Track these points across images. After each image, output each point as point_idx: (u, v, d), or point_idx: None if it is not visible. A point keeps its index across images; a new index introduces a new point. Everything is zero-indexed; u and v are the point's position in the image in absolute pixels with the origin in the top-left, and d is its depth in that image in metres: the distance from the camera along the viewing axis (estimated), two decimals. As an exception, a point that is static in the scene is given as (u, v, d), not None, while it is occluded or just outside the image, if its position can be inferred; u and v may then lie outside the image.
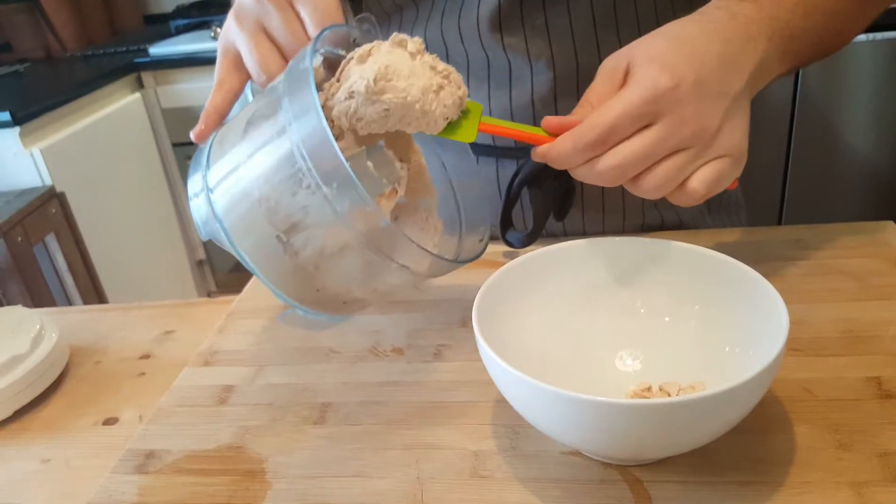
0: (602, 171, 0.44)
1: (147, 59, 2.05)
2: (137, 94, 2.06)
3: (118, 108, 1.97)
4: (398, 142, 0.54)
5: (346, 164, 0.40)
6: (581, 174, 0.46)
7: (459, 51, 0.66)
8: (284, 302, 0.48)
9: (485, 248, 0.52)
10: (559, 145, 0.46)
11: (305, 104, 0.40)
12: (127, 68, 2.03)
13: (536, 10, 0.64)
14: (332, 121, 0.46)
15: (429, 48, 0.67)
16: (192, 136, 0.50)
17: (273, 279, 0.46)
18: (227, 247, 0.45)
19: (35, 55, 2.28)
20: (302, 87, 0.41)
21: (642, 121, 0.44)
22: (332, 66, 0.50)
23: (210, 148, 0.48)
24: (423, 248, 0.45)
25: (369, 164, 0.46)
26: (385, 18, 0.69)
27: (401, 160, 0.52)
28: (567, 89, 0.66)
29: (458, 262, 0.49)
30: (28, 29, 2.25)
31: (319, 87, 0.47)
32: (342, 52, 0.50)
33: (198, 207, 0.46)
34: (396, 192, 0.50)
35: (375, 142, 0.51)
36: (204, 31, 2.27)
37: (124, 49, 2.20)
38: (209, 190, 0.46)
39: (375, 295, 0.49)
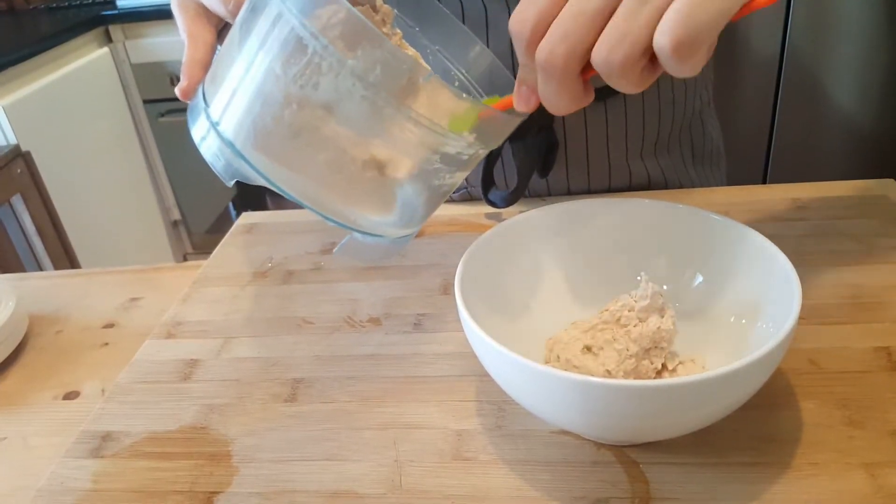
0: (547, 57, 0.35)
1: (115, 12, 1.97)
2: (105, 49, 1.99)
3: (85, 63, 1.89)
4: None
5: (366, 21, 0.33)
6: (539, 79, 0.38)
7: None
8: (335, 224, 0.40)
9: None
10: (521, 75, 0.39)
11: None
12: (94, 21, 1.95)
13: None
14: None
15: None
16: (178, 92, 0.45)
17: (311, 184, 0.39)
18: (254, 176, 0.39)
19: (-4, 7, 2.18)
20: None
21: None
22: None
23: (203, 90, 0.42)
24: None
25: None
26: None
27: None
28: None
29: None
30: (-12, -20, 2.15)
31: None
32: None
33: (209, 150, 0.40)
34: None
35: None
36: (175, -18, 2.18)
37: (90, 1, 2.11)
38: (215, 125, 0.39)
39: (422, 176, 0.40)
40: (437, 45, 0.49)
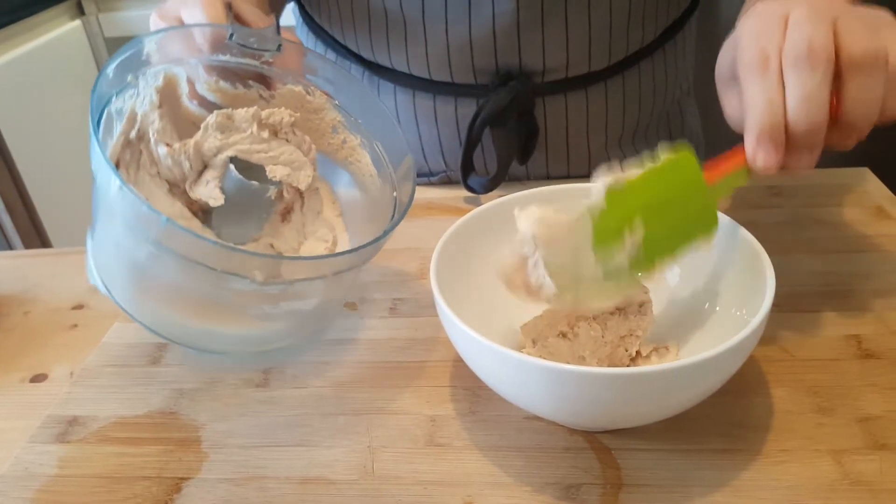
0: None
1: (87, -17, 1.92)
2: (78, 22, 1.94)
3: (56, 36, 1.85)
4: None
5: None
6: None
7: None
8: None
9: (411, 198, 0.48)
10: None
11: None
12: (65, -8, 1.90)
13: None
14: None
15: None
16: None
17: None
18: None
19: (-38, -24, 2.11)
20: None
21: None
22: (224, 72, 0.50)
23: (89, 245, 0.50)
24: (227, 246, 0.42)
25: (233, 169, 0.45)
26: None
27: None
28: (531, 21, 0.61)
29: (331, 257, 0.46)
30: (-47, -53, 2.08)
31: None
32: (226, 56, 0.49)
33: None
34: (293, 189, 0.48)
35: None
36: (149, -46, 2.13)
37: (62, -29, 2.05)
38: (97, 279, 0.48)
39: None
40: (377, 139, 0.52)
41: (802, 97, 0.37)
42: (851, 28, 0.37)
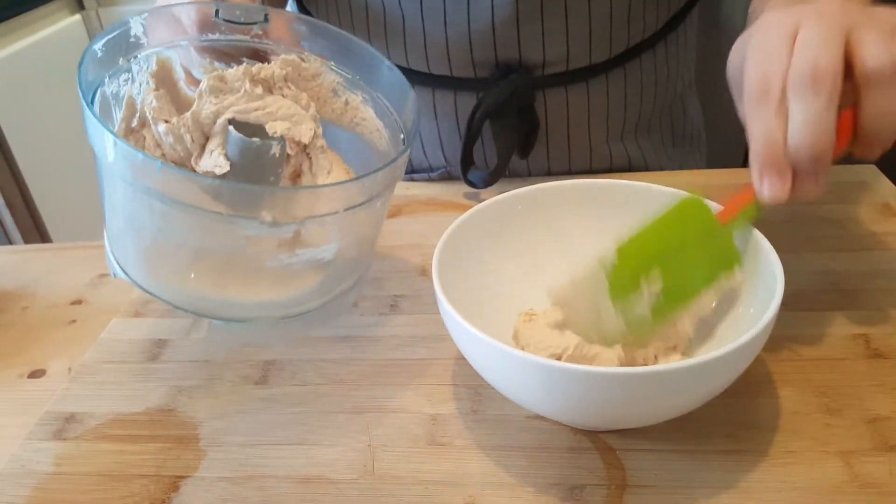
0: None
1: (87, -23, 1.91)
2: (77, 16, 1.93)
3: (56, 31, 1.84)
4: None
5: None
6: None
7: None
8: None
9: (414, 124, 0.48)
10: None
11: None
12: (65, -13, 1.89)
13: None
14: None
15: None
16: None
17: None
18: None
19: (-39, -30, 2.11)
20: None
21: None
22: (217, 52, 0.49)
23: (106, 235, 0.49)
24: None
25: (233, 130, 0.44)
26: None
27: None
28: (530, 13, 0.60)
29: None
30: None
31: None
32: (215, 35, 0.49)
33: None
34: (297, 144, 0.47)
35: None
36: (150, -52, 2.12)
37: (62, -34, 2.04)
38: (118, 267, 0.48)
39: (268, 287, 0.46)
40: (378, 91, 0.51)
41: (804, 123, 0.36)
42: (866, 38, 0.36)
